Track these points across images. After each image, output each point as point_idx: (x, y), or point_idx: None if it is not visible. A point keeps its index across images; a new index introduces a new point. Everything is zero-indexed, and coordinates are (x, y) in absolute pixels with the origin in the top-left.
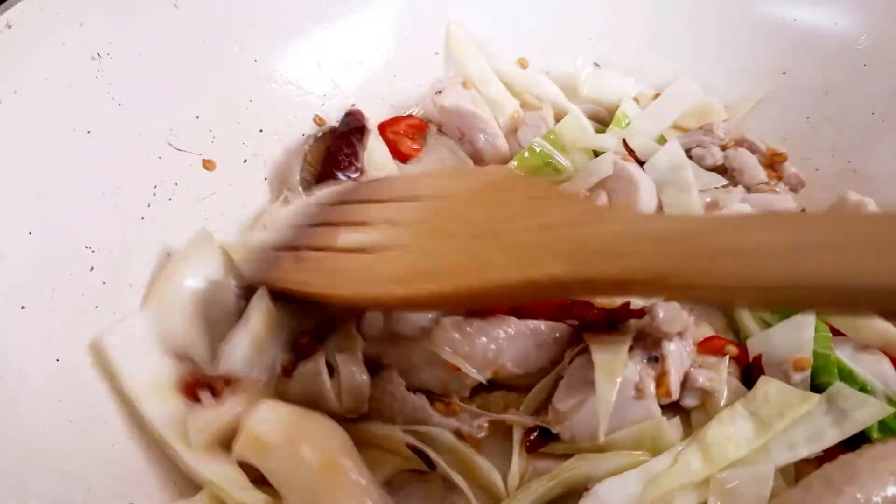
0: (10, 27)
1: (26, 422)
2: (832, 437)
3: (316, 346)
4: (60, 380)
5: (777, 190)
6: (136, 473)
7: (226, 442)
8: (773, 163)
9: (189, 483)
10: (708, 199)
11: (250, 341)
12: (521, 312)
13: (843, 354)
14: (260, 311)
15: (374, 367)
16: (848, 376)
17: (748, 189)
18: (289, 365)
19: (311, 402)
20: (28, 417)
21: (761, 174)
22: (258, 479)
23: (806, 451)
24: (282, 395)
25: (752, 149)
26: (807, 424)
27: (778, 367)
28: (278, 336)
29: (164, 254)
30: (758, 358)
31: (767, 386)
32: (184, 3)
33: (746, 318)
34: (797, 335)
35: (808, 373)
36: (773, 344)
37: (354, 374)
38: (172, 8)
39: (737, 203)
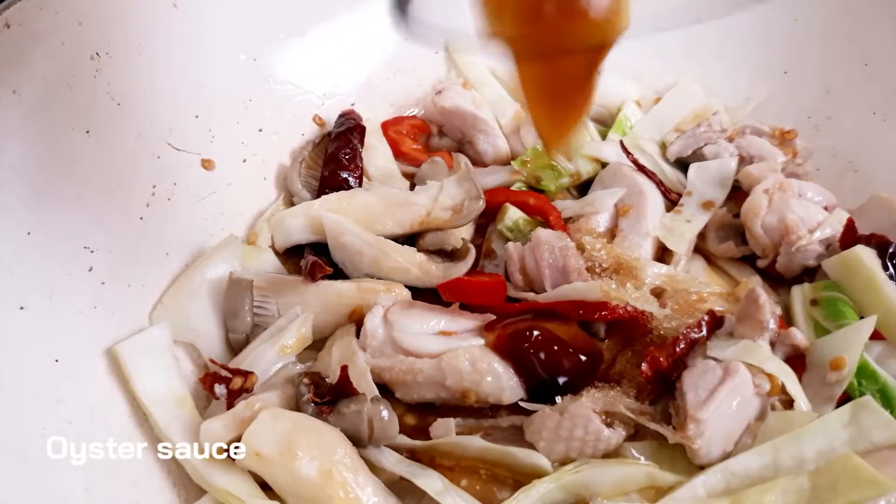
0: (9, 27)
1: (26, 422)
2: (842, 454)
3: (354, 387)
4: (60, 380)
5: (804, 169)
6: (135, 475)
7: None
8: (783, 141)
9: (190, 485)
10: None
11: (277, 351)
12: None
13: (870, 355)
14: (297, 333)
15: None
16: (870, 376)
17: None
18: (316, 390)
19: (347, 436)
20: (28, 417)
21: (780, 155)
22: (265, 485)
23: (814, 465)
24: None
25: (758, 132)
26: (822, 438)
27: (819, 368)
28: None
29: (164, 253)
30: (801, 354)
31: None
32: (184, 3)
33: (801, 320)
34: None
35: (843, 373)
36: (825, 346)
37: (385, 416)
38: (172, 8)
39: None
